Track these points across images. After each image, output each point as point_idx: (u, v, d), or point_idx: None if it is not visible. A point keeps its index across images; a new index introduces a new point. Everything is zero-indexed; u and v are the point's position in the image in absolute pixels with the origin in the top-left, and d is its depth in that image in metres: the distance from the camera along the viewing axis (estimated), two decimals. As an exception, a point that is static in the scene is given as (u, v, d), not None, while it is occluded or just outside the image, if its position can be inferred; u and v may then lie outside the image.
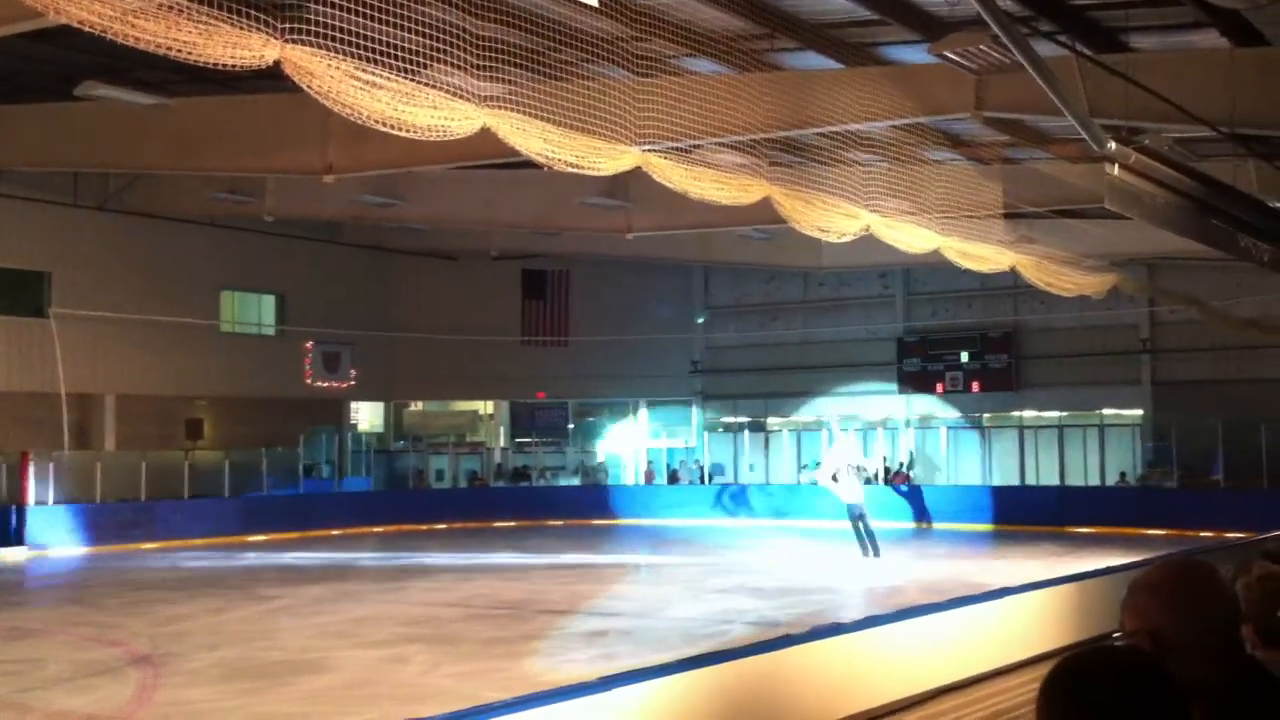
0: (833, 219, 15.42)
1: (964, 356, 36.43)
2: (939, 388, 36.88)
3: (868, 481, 25.50)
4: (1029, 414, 36.21)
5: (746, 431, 38.86)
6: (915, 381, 37.26)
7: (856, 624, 11.50)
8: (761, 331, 39.78)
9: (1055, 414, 35.83)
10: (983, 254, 18.58)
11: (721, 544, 28.16)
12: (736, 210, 16.51)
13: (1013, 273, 20.37)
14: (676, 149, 13.44)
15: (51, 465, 28.96)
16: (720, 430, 40.56)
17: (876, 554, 22.72)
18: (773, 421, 39.96)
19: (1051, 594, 13.61)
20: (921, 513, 33.03)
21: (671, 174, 12.71)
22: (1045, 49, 13.25)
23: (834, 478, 23.45)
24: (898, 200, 16.61)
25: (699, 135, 13.68)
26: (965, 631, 11.96)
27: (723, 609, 17.54)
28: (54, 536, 27.61)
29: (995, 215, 18.72)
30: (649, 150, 12.29)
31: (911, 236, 16.99)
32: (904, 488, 34.21)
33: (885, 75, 16.75)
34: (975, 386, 36.25)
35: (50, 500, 28.47)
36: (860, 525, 22.97)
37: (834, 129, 16.24)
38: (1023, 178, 21.65)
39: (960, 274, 23.71)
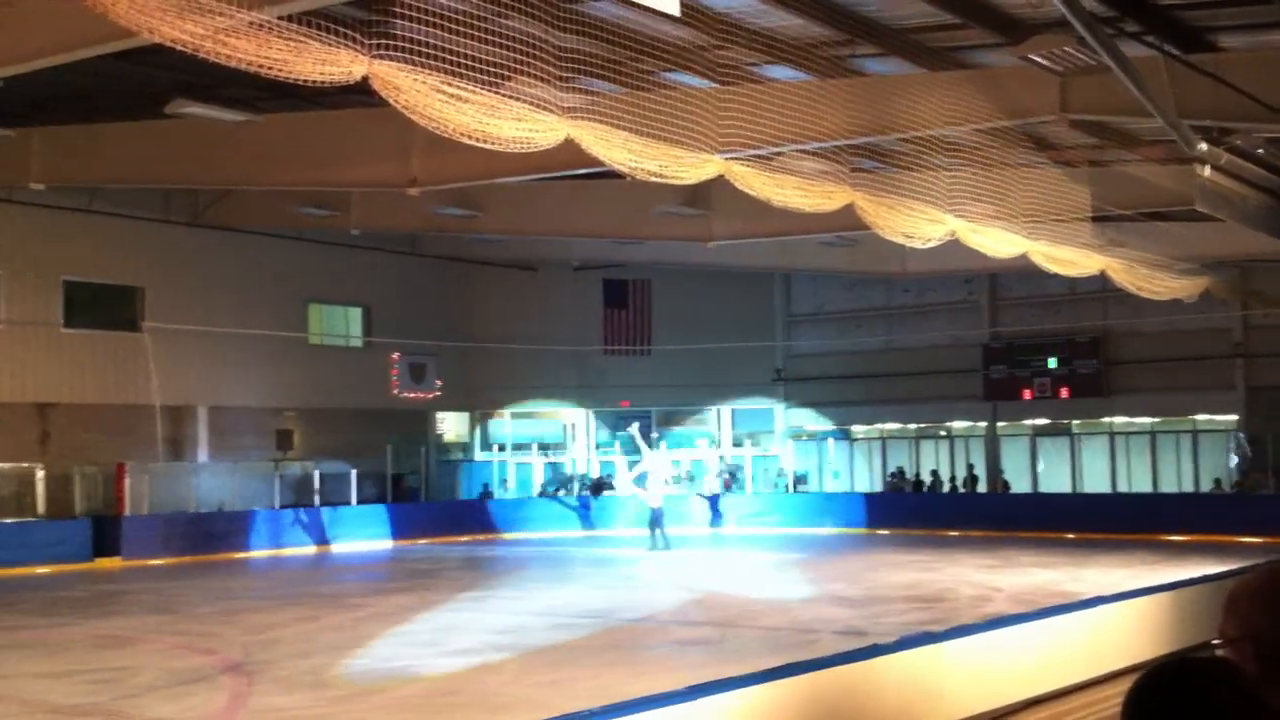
0: (917, 224, 15.30)
1: (1051, 362, 35.92)
2: (1026, 394, 36.38)
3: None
4: (1119, 420, 35.61)
5: (830, 439, 38.62)
6: (1001, 388, 36.79)
7: (945, 634, 11.36)
8: (844, 339, 39.53)
9: (1146, 420, 35.19)
10: (1070, 258, 18.31)
11: (807, 551, 28.00)
12: (818, 217, 16.45)
13: (1101, 277, 20.07)
14: (758, 156, 13.41)
15: (146, 476, 29.57)
16: (804, 438, 40.37)
17: (667, 548, 27.76)
18: (857, 429, 39.69)
19: (1145, 603, 13.36)
20: (1005, 520, 32.60)
21: (754, 181, 12.68)
22: (1131, 50, 13.05)
23: (643, 484, 27.86)
24: (983, 205, 16.42)
25: (781, 142, 13.64)
26: (1056, 642, 11.77)
27: (809, 618, 17.43)
28: (148, 546, 28.14)
29: (1083, 219, 18.44)
30: (731, 158, 12.27)
31: (998, 241, 16.80)
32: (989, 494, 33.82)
33: (968, 79, 16.58)
34: (1063, 393, 35.71)
35: (145, 510, 29.04)
36: (657, 527, 28.10)
37: (917, 134, 16.10)
38: (1110, 180, 21.30)
39: (1048, 278, 23.42)
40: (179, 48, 7.81)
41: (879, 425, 39.47)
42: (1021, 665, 11.21)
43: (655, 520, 28.69)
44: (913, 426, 38.86)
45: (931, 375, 37.75)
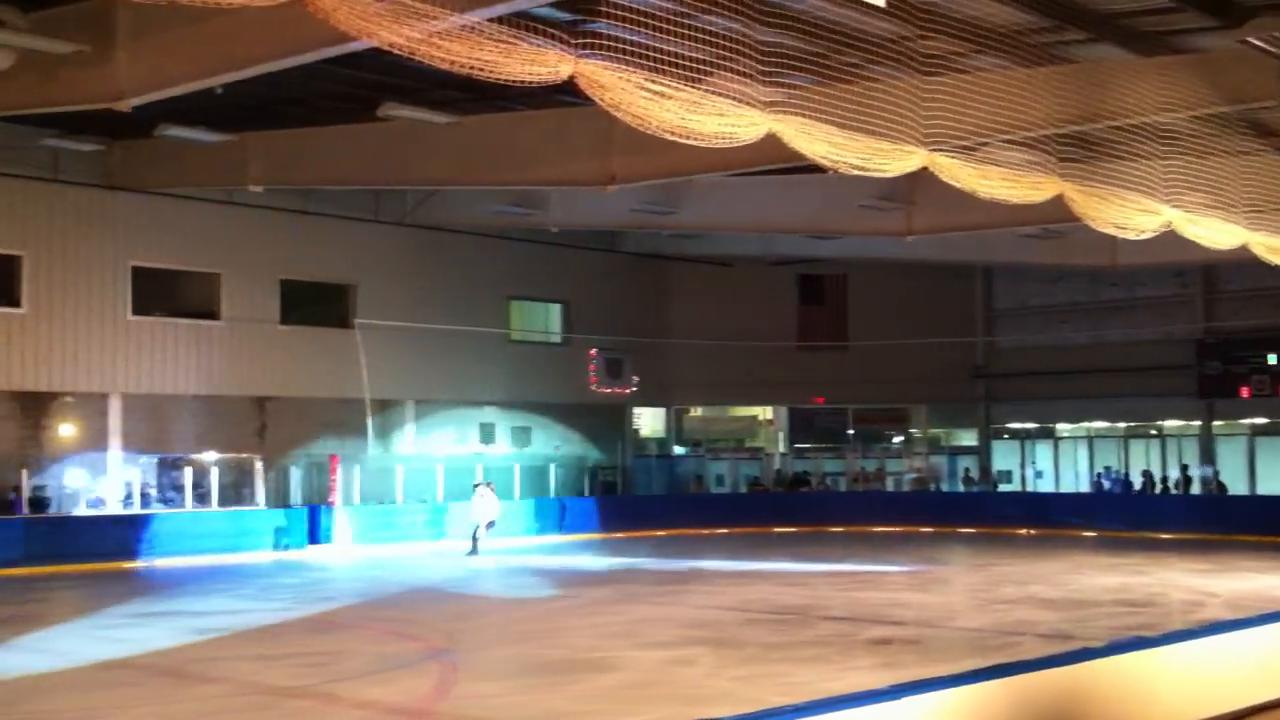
0: (1130, 215, 14.78)
1: (1272, 358, 34.26)
2: (1244, 392, 34.78)
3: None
4: (1346, 419, 33.79)
5: (1034, 439, 37.66)
6: (1216, 385, 35.24)
7: (1159, 639, 10.97)
8: (1048, 334, 38.41)
9: (1377, 419, 33.32)
10: (1295, 249, 17.45)
11: (1009, 553, 27.37)
12: (1021, 209, 16.03)
13: (1329, 269, 19.06)
14: (963, 148, 13.15)
15: (357, 467, 30.64)
16: (1005, 437, 39.43)
17: (473, 554, 27.55)
18: (1061, 428, 38.58)
19: (1376, 612, 12.63)
20: (1221, 523, 31.27)
21: (959, 173, 12.45)
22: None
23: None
24: (1199, 194, 15.77)
25: (986, 133, 13.36)
26: (1278, 649, 11.25)
27: (1013, 620, 17.04)
28: (358, 534, 29.18)
29: (1309, 208, 17.56)
30: (936, 150, 12.06)
31: (1216, 232, 16.11)
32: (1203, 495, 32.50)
33: (1182, 64, 15.94)
34: (1285, 390, 34.05)
35: (356, 500, 30.10)
36: (480, 533, 28.00)
37: (1128, 121, 15.55)
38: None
39: (1269, 271, 22.35)
40: (395, 51, 8.08)
41: (1085, 423, 38.27)
42: (1240, 672, 10.74)
43: (487, 528, 28.49)
44: (1121, 425, 37.57)
45: (1141, 372, 36.32)
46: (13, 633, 16.70)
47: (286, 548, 28.05)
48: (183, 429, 29.82)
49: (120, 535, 26.11)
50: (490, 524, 28.15)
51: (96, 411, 28.55)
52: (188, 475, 28.51)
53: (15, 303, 27.33)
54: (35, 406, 27.86)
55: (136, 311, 28.97)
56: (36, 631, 17.13)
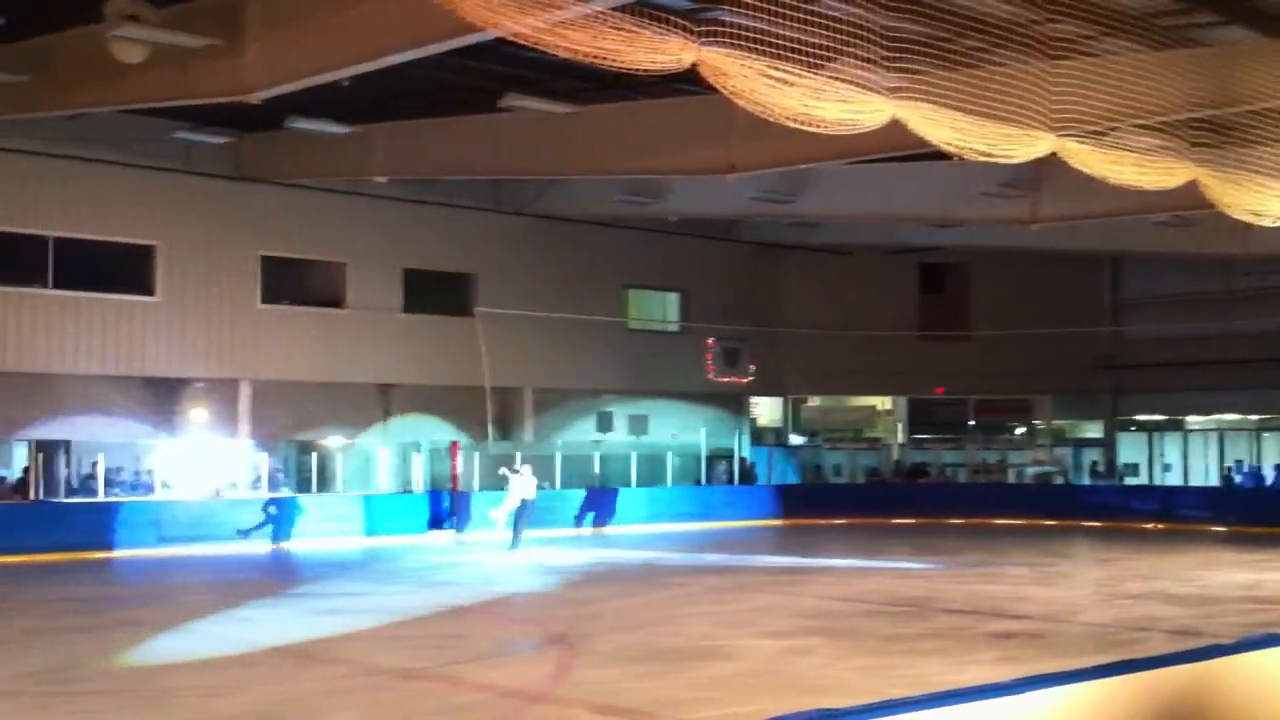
0: (1266, 201, 14.34)
1: None
2: (1382, 384, 33.57)
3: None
4: None
5: (1162, 430, 36.75)
6: (1353, 377, 34.06)
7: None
8: (1177, 324, 37.40)
9: None
10: None
11: (1135, 547, 26.79)
12: (1151, 196, 15.67)
13: None
14: (1093, 133, 12.87)
15: (477, 454, 31.04)
16: (1132, 429, 38.54)
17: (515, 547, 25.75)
18: (1191, 420, 37.59)
19: None
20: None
21: (1088, 159, 12.18)
22: None
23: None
24: (1340, 180, 15.24)
25: (1116, 118, 13.05)
26: None
27: (1139, 616, 16.68)
28: (479, 521, 29.53)
29: None
30: (1064, 135, 11.82)
31: (1355, 219, 15.56)
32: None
33: (1320, 46, 15.42)
34: None
35: (476, 487, 30.51)
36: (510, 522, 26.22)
37: (1264, 106, 15.07)
38: None
39: None
40: (519, 41, 8.16)
41: (1216, 416, 37.23)
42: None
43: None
44: (1254, 417, 36.49)
45: (1274, 363, 35.25)
46: (142, 613, 17.25)
47: (411, 531, 28.51)
48: (308, 415, 30.49)
49: (250, 518, 26.77)
50: (524, 505, 26.35)
51: (226, 397, 29.32)
52: (313, 460, 29.12)
53: (149, 291, 28.17)
54: (167, 393, 28.70)
55: (265, 300, 29.68)
56: (165, 611, 17.68)
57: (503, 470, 26.81)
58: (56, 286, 27.02)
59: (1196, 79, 14.82)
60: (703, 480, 35.64)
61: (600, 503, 31.96)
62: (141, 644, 14.48)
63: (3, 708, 11.12)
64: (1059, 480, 37.79)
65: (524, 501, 26.31)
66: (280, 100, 18.95)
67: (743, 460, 37.67)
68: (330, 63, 16.96)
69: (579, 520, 31.35)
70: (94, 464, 26.34)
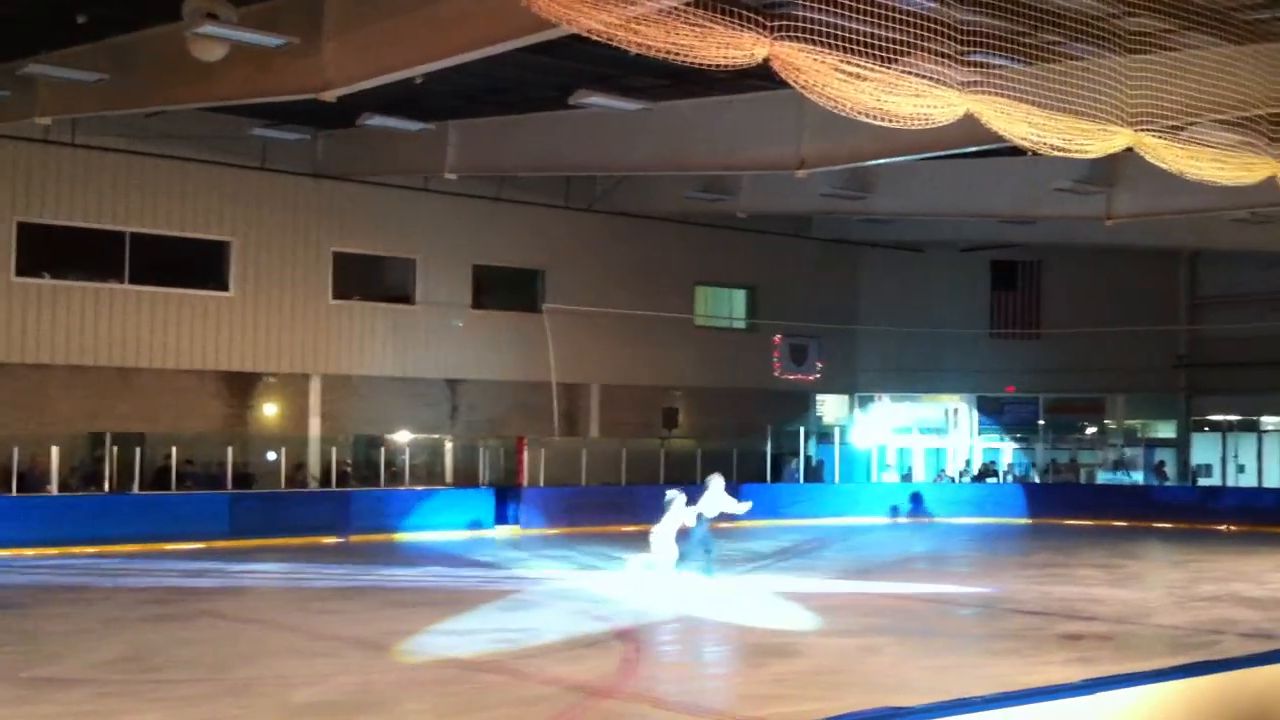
0: (1348, 198, 14.05)
1: None
2: None
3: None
4: None
5: (1237, 431, 36.12)
6: None
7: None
8: (1258, 322, 36.71)
9: None
10: None
11: (1206, 549, 26.39)
12: (1229, 192, 15.43)
13: None
14: (1170, 128, 12.69)
15: (543, 450, 31.15)
16: (1206, 429, 37.93)
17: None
18: (1267, 420, 36.91)
19: None
20: None
21: (1166, 154, 12.01)
22: None
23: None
24: None
25: (1194, 113, 12.85)
26: None
27: (1213, 618, 16.44)
28: (544, 515, 29.66)
29: None
30: (1142, 130, 11.67)
31: None
32: None
33: (1406, 39, 15.07)
34: None
35: (541, 482, 30.62)
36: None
37: (1347, 100, 14.79)
38: None
39: None
40: (593, 37, 8.20)
41: (1294, 417, 36.54)
42: None
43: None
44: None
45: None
46: (219, 603, 17.51)
47: (478, 525, 28.68)
48: (378, 409, 30.78)
49: (320, 511, 27.08)
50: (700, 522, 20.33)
51: (298, 391, 29.69)
52: (381, 454, 29.41)
53: (224, 286, 28.61)
54: (241, 386, 29.12)
55: (337, 295, 30.03)
56: (241, 601, 17.94)
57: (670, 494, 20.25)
58: (133, 281, 27.51)
59: (1276, 73, 14.57)
60: (768, 478, 35.45)
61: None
62: (211, 633, 14.67)
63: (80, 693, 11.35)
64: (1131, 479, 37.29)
65: (700, 517, 20.33)
66: (356, 98, 19.14)
67: (808, 459, 37.48)
68: (405, 61, 17.10)
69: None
70: (166, 457, 26.72)
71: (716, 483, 20.46)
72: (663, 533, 19.22)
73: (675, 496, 19.66)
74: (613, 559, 23.58)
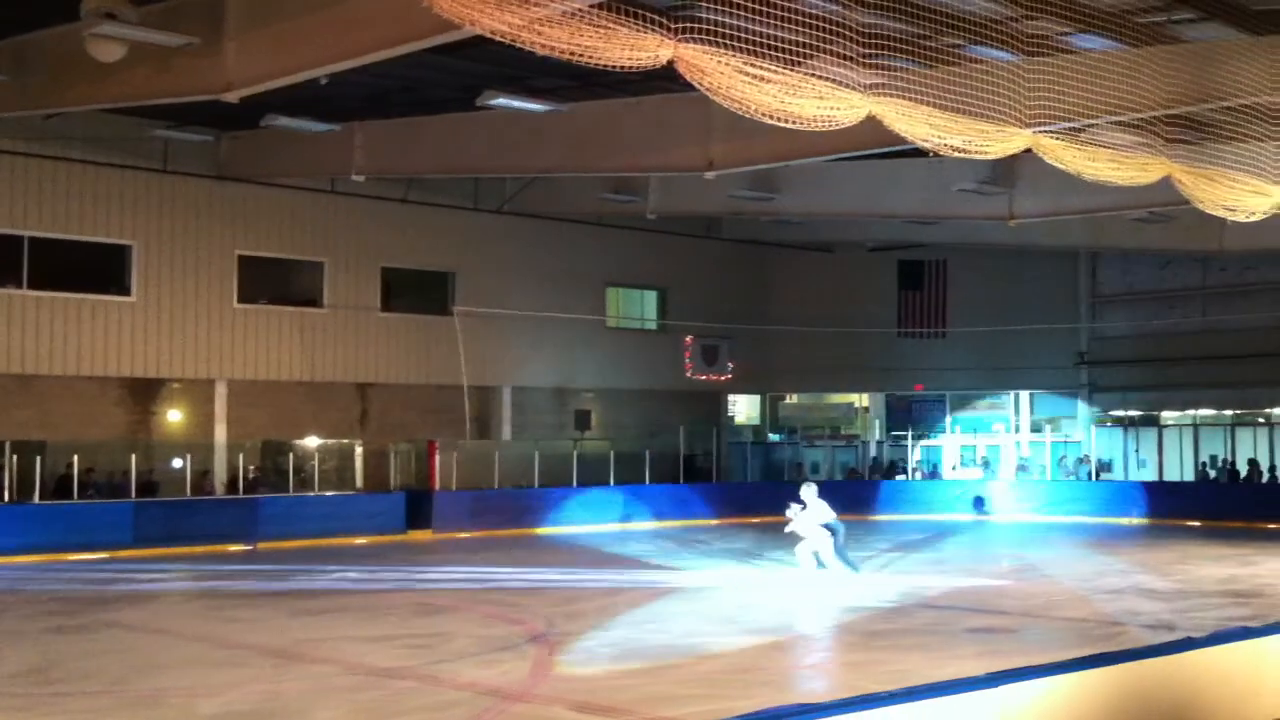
0: (1240, 197, 14.45)
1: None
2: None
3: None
4: None
5: (1138, 426, 36.92)
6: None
7: (1265, 629, 10.72)
8: (1154, 320, 37.62)
9: None
10: None
11: (1117, 543, 26.94)
12: (1127, 192, 15.77)
13: None
14: (1069, 129, 12.94)
15: (455, 453, 30.98)
16: (1109, 425, 38.73)
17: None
18: (1167, 416, 37.78)
19: None
20: None
21: (1064, 155, 12.25)
22: None
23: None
24: (1314, 176, 15.35)
25: (1092, 114, 13.12)
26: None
27: (1115, 610, 16.77)
28: (457, 520, 29.47)
29: None
30: (1040, 132, 11.89)
31: (1329, 215, 15.68)
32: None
33: (1295, 43, 15.52)
34: None
35: (453, 485, 30.44)
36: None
37: (1239, 102, 15.18)
38: None
39: (1385, 255, 21.72)
40: (497, 38, 8.17)
41: (1191, 411, 37.44)
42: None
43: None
44: (1228, 413, 36.70)
45: (1251, 359, 35.42)
46: (124, 612, 17.18)
47: (389, 530, 28.41)
48: (286, 414, 30.40)
49: (227, 518, 26.67)
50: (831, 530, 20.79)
51: (203, 397, 29.22)
52: (290, 460, 29.04)
53: (126, 290, 28.07)
54: (144, 392, 28.59)
55: (242, 299, 29.61)
56: (146, 611, 17.61)
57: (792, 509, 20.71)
58: (32, 286, 26.90)
59: (1173, 75, 14.90)
60: (680, 478, 35.52)
61: (579, 500, 31.83)
62: (118, 644, 14.39)
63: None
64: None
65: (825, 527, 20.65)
66: (260, 98, 18.90)
67: (719, 457, 37.63)
68: (308, 61, 16.92)
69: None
70: (68, 465, 26.17)
71: (812, 489, 20.94)
72: (806, 528, 20.16)
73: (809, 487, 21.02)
74: (520, 562, 23.50)
